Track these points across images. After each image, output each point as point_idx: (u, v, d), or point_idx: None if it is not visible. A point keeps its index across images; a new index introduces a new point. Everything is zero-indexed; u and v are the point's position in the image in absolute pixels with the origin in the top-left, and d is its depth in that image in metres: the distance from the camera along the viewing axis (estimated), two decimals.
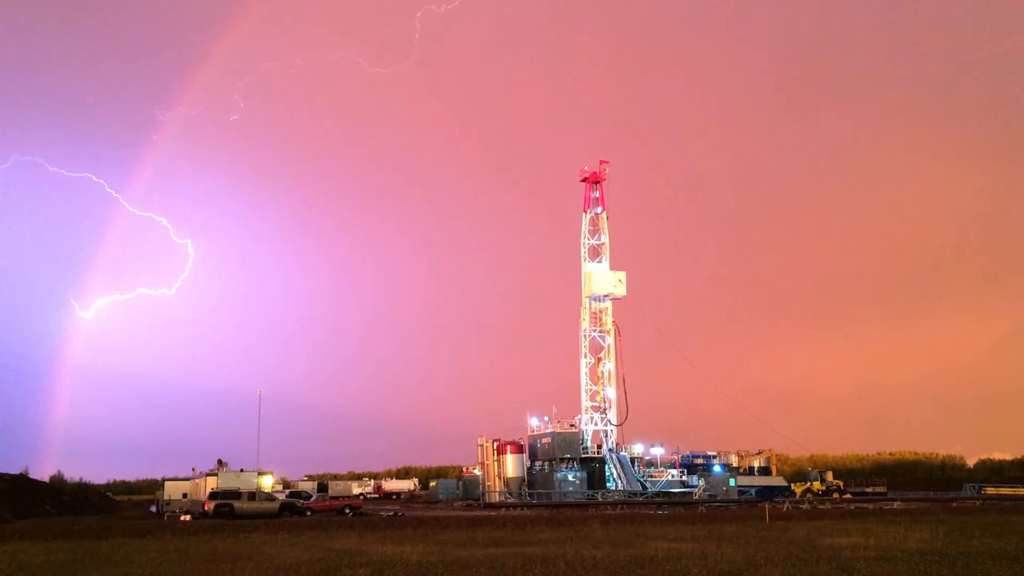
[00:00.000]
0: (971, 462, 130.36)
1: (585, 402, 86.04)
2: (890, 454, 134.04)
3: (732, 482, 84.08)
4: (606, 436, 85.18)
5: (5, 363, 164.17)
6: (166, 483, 66.81)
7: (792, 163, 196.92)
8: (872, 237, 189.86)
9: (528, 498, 76.46)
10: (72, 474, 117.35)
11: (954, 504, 65.20)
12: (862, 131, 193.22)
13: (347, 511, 59.72)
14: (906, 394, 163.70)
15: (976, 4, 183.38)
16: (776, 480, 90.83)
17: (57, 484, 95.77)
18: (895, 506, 61.62)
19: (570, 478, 78.95)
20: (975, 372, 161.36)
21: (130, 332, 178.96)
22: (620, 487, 79.76)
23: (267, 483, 67.27)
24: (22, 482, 75.73)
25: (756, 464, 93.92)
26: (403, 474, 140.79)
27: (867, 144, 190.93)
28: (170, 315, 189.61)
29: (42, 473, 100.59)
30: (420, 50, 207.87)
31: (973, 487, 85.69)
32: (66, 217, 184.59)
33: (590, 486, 79.86)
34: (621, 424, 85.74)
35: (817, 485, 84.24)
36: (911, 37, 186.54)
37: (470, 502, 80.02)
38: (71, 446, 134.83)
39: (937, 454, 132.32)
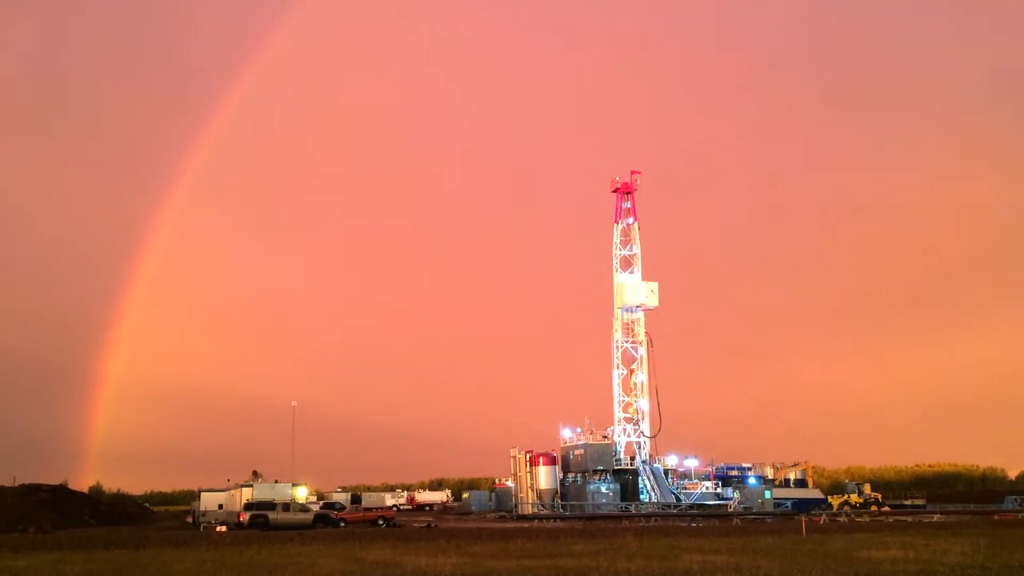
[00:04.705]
0: (1012, 474, 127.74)
1: (618, 413, 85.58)
2: (929, 466, 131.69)
3: (768, 494, 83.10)
4: (639, 448, 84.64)
5: (47, 375, 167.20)
6: (202, 494, 67.25)
7: (829, 172, 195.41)
8: (910, 245, 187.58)
9: (561, 510, 76.16)
10: (110, 485, 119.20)
11: (995, 517, 63.96)
12: (898, 138, 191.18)
13: (380, 522, 59.82)
14: (945, 405, 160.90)
15: (983, 18, 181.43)
16: (812, 492, 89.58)
17: (96, 495, 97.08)
18: (935, 519, 60.61)
19: (603, 490, 78.47)
20: (1016, 383, 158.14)
21: (167, 345, 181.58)
22: (654, 499, 79.18)
23: (301, 494, 67.54)
24: (62, 493, 76.82)
25: (792, 476, 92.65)
26: (436, 485, 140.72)
27: (905, 151, 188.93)
28: (207, 328, 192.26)
29: (81, 484, 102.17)
30: (452, 60, 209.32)
31: (1015, 499, 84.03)
32: (106, 232, 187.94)
33: (623, 498, 79.31)
34: (654, 436, 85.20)
35: (855, 498, 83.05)
36: (932, 53, 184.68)
37: (503, 514, 79.84)
38: (109, 457, 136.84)
39: (977, 466, 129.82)
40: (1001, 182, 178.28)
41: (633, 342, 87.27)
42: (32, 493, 72.13)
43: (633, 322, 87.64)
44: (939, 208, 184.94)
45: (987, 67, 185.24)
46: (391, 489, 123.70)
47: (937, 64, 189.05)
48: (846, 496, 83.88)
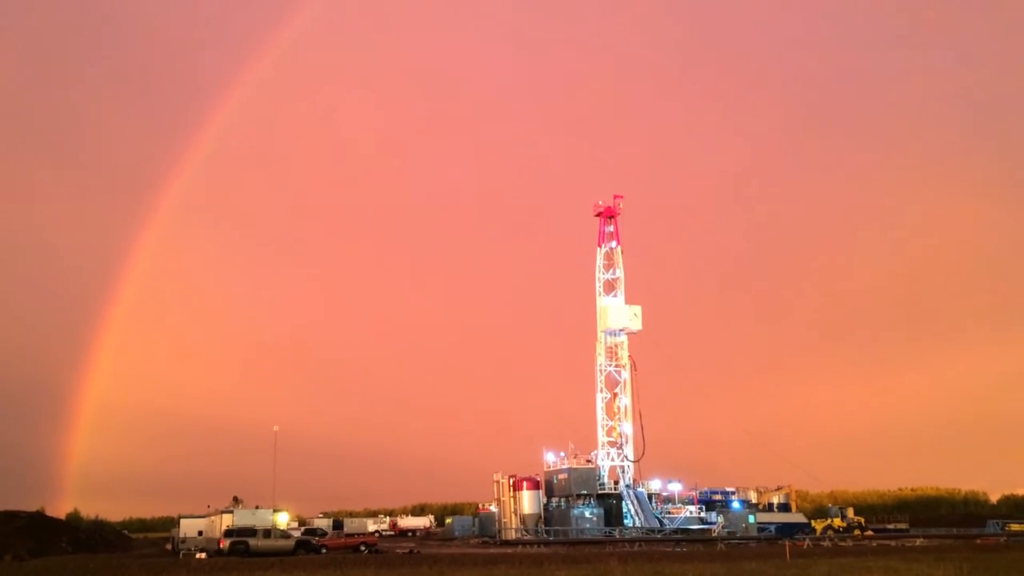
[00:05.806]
0: (994, 498, 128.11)
1: (602, 437, 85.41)
2: (912, 490, 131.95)
3: (751, 519, 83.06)
4: (623, 472, 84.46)
5: (24, 400, 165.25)
6: (182, 520, 66.61)
7: (809, 197, 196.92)
8: (890, 270, 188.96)
9: (545, 535, 75.75)
10: (88, 512, 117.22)
11: (978, 541, 64.23)
12: (878, 163, 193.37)
13: (362, 548, 59.35)
14: (927, 429, 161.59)
15: (984, 43, 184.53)
16: (796, 517, 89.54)
17: (74, 522, 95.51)
18: (918, 543, 60.77)
19: (587, 515, 78.18)
20: (997, 406, 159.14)
21: (147, 369, 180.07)
22: (638, 524, 78.92)
23: (282, 520, 66.99)
24: (39, 520, 75.60)
25: (775, 500, 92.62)
26: (419, 511, 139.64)
27: (885, 175, 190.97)
28: (187, 352, 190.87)
29: (58, 511, 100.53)
30: (434, 83, 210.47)
31: (997, 523, 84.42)
32: (85, 256, 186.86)
33: (607, 523, 79.01)
34: (638, 460, 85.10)
35: (838, 522, 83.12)
36: (920, 76, 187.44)
37: (486, 539, 79.36)
38: (88, 483, 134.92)
39: (959, 490, 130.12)
40: (987, 207, 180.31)
41: (616, 366, 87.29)
42: (8, 520, 70.95)
43: (616, 346, 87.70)
44: (924, 233, 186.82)
45: (976, 97, 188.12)
46: (373, 515, 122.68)
47: (927, 90, 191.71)
48: (829, 520, 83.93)
